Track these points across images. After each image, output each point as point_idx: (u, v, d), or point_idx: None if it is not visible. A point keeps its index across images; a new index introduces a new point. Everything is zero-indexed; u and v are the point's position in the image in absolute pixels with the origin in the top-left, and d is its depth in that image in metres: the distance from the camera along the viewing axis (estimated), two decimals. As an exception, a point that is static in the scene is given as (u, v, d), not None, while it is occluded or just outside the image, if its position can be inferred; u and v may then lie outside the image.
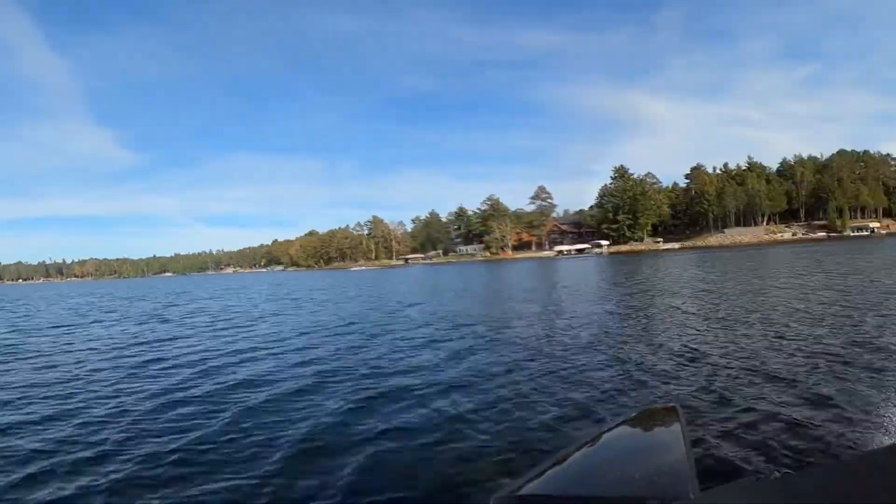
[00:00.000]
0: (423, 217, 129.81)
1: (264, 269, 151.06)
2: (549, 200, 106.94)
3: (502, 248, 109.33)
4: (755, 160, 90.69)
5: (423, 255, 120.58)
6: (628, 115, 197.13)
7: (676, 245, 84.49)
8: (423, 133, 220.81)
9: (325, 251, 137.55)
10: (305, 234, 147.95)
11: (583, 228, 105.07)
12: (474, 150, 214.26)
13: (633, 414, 0.57)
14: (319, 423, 4.60)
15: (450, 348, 8.07)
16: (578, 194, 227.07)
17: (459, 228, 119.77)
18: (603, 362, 6.42)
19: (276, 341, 9.94)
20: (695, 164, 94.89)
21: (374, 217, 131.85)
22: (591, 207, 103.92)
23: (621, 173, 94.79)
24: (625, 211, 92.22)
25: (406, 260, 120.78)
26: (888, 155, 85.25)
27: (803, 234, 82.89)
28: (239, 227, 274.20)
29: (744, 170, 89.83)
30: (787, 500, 0.24)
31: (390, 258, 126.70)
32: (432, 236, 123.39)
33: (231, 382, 6.47)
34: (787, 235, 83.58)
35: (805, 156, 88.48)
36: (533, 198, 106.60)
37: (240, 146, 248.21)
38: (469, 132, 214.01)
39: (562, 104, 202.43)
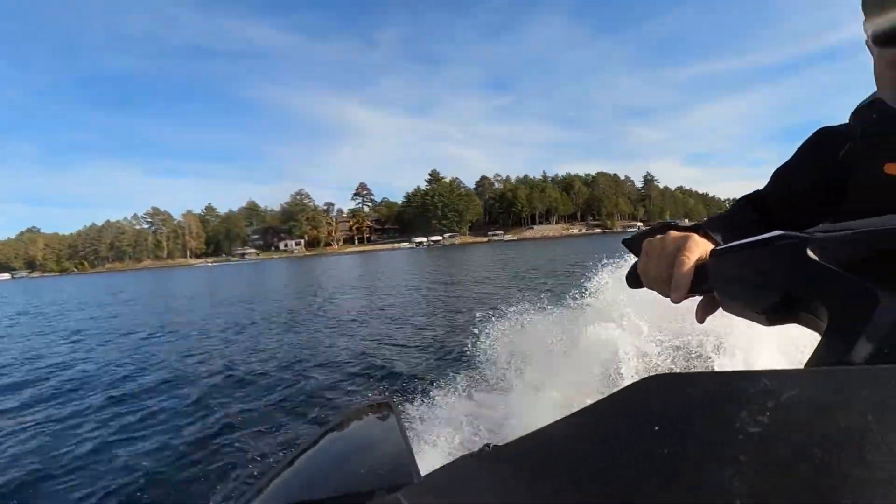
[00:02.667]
0: (196, 212, 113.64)
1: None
2: (370, 197, 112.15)
3: (329, 244, 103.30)
4: (547, 175, 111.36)
5: (247, 251, 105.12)
6: (343, 124, 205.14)
7: (514, 237, 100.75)
8: (122, 120, 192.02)
9: (94, 249, 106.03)
10: (24, 231, 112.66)
11: (386, 224, 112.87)
12: (181, 144, 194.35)
13: (350, 411, 0.57)
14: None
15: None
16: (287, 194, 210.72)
17: (252, 224, 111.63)
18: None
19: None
20: (484, 175, 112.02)
21: (154, 208, 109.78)
22: (377, 206, 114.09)
23: (435, 177, 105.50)
24: (451, 209, 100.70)
25: (242, 255, 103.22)
26: (628, 177, 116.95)
27: (586, 231, 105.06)
28: None
29: (539, 181, 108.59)
30: (500, 465, 0.24)
31: (184, 256, 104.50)
32: (231, 232, 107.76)
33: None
34: (576, 231, 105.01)
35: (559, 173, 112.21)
36: (355, 195, 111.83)
37: None
38: (177, 124, 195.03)
39: (280, 106, 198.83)
